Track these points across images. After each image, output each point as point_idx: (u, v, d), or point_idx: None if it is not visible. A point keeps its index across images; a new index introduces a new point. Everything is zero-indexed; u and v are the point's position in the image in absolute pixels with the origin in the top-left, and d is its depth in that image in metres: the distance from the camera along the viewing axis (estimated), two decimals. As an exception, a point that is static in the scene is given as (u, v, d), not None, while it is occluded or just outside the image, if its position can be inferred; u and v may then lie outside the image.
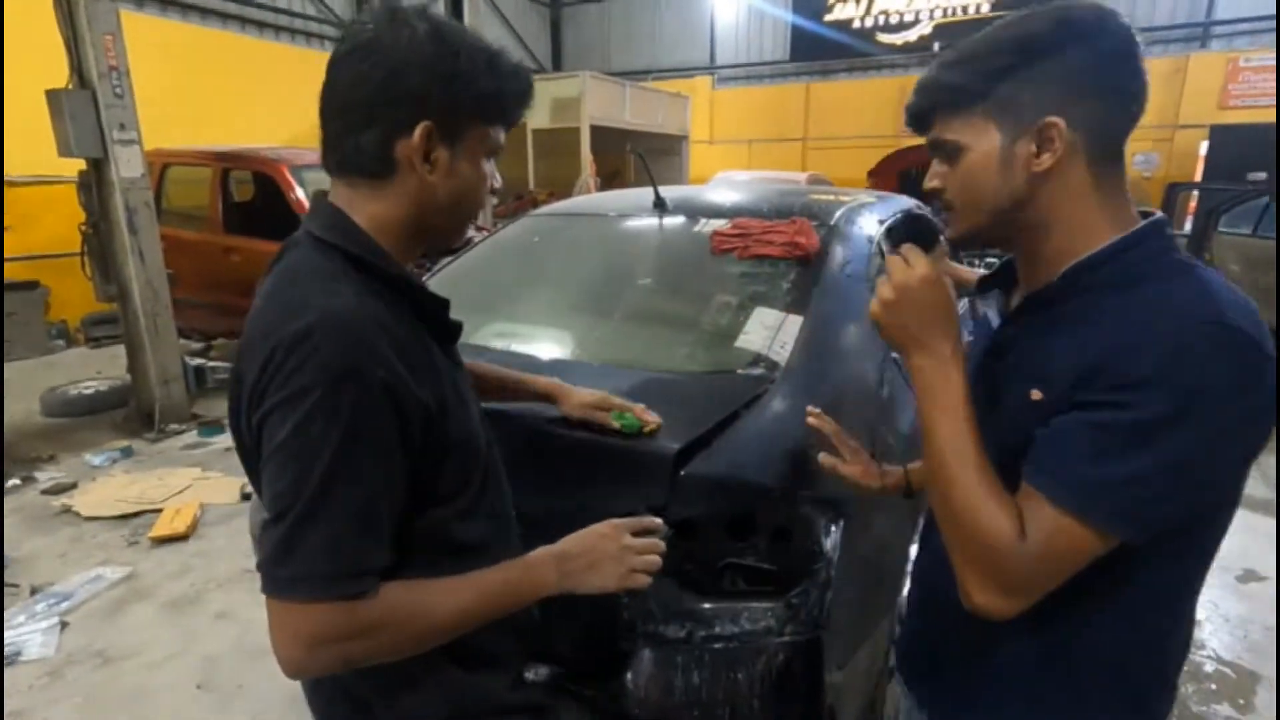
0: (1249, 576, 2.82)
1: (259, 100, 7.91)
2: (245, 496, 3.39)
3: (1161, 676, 0.79)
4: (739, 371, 1.47)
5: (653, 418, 1.21)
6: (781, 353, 1.52)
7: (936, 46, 11.42)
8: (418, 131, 0.72)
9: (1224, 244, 5.33)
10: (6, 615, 2.54)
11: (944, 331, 0.74)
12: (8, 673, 2.26)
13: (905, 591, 1.58)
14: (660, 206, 2.12)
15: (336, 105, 0.74)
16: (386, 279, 0.75)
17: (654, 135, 10.76)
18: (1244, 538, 3.09)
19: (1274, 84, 9.28)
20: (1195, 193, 7.56)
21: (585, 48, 14.72)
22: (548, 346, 1.74)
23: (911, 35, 11.67)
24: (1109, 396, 0.64)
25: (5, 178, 6.16)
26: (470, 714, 0.85)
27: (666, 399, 1.36)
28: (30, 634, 2.42)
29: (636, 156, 2.29)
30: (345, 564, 0.68)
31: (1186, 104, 9.72)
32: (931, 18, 11.52)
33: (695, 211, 2.11)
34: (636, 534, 0.88)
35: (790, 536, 1.25)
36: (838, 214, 1.99)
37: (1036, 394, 0.71)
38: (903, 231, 0.82)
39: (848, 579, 1.28)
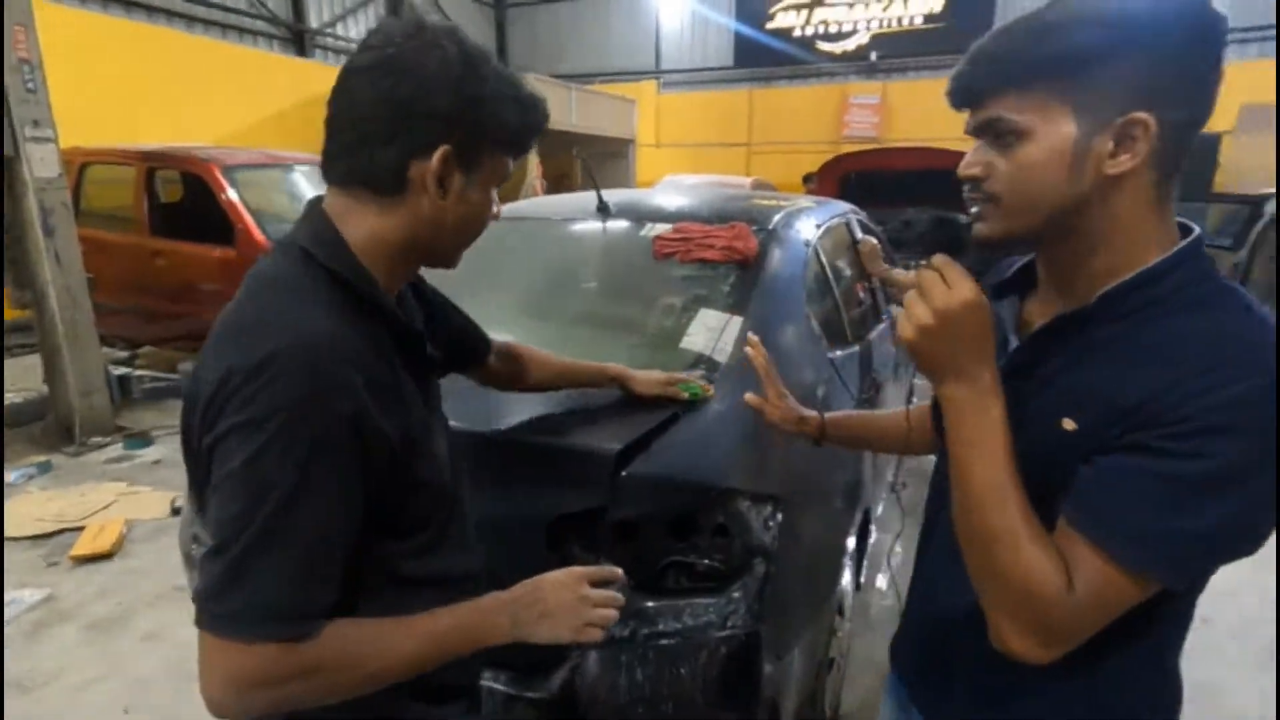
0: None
1: (190, 98, 7.58)
2: (175, 511, 3.26)
3: (1170, 692, 0.77)
4: (679, 374, 1.49)
5: (707, 384, 1.39)
6: (722, 354, 1.56)
7: (874, 56, 11.83)
8: (436, 155, 0.71)
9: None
10: (-92, 645, 2.37)
11: (983, 359, 0.66)
12: (-90, 706, 2.11)
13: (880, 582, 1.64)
14: (604, 211, 2.14)
15: (355, 115, 0.71)
16: (368, 304, 0.73)
17: (601, 139, 10.79)
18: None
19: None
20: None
21: (531, 50, 14.64)
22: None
23: (850, 44, 12.05)
24: (1174, 444, 0.59)
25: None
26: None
27: (609, 402, 1.38)
28: (-64, 664, 2.26)
29: (581, 161, 2.31)
30: (289, 605, 0.64)
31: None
32: (869, 28, 11.92)
33: (638, 216, 2.13)
34: (595, 584, 0.84)
35: (729, 533, 1.29)
36: (775, 218, 2.05)
37: (1069, 424, 0.66)
38: (930, 236, 0.71)
39: (786, 573, 1.33)
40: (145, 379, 4.92)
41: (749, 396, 1.11)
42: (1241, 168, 8.87)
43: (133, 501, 3.40)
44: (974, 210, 0.71)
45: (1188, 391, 0.59)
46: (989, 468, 0.65)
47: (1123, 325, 0.66)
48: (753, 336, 1.13)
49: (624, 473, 1.19)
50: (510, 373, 1.20)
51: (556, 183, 8.88)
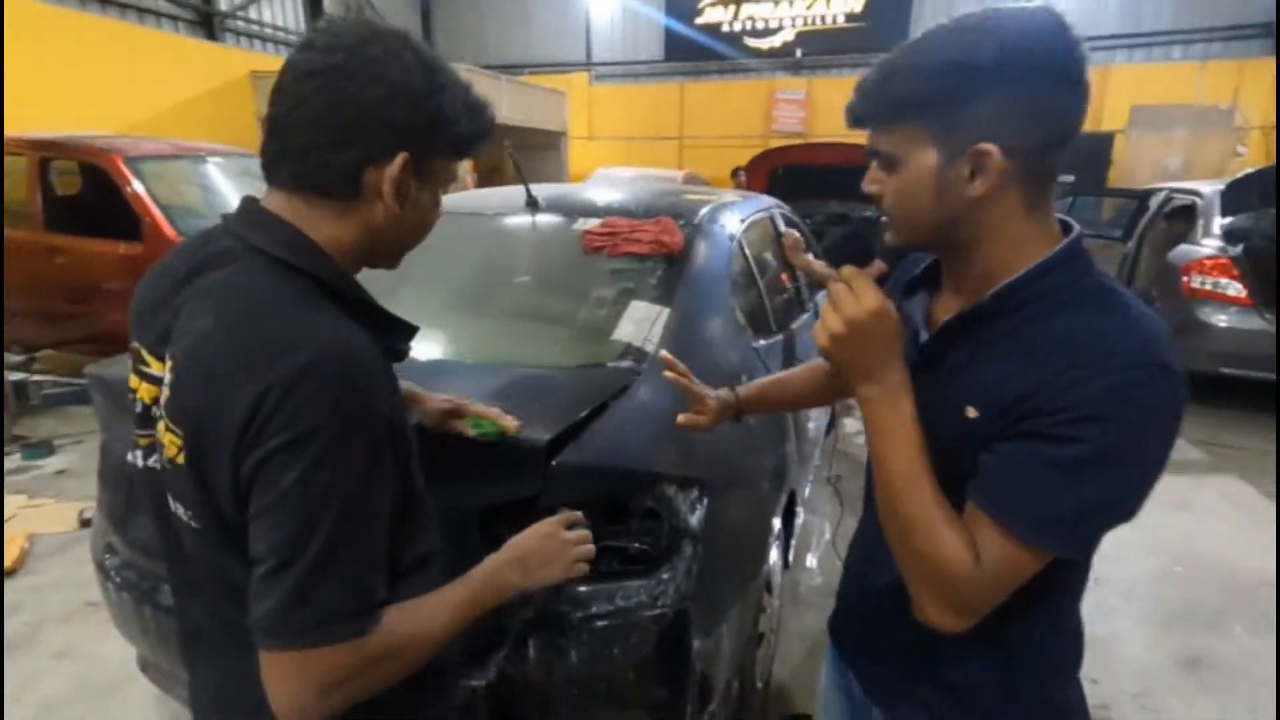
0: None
1: (91, 85, 7.07)
2: (85, 523, 3.08)
3: (1074, 647, 0.86)
4: (609, 364, 1.54)
5: (511, 421, 1.13)
6: (650, 345, 1.61)
7: (799, 53, 12.14)
8: (397, 162, 0.71)
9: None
10: None
11: (893, 362, 0.73)
12: None
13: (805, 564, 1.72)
14: (533, 205, 2.16)
15: (306, 119, 0.70)
16: (356, 305, 0.74)
17: (533, 131, 10.67)
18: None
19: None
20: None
21: (457, 37, 14.31)
22: (421, 346, 1.73)
23: (776, 41, 12.34)
24: (1058, 430, 0.66)
25: None
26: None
27: (540, 393, 1.41)
28: None
29: (510, 156, 2.31)
30: (355, 607, 0.67)
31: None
32: (793, 25, 12.22)
33: (567, 210, 2.16)
34: (568, 527, 0.94)
35: (658, 517, 1.34)
36: (701, 213, 2.12)
37: (972, 412, 0.73)
38: (841, 247, 0.77)
39: (713, 553, 1.39)
40: (45, 384, 4.59)
41: (681, 419, 1.14)
42: (1133, 164, 9.59)
43: (35, 514, 3.19)
44: (884, 220, 0.80)
45: (1065, 384, 0.66)
46: (902, 459, 0.72)
47: (1013, 321, 0.73)
48: (665, 354, 1.15)
49: (554, 462, 1.22)
50: None
51: (487, 176, 8.75)
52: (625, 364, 1.54)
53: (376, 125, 0.70)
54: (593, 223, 2.01)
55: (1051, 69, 0.68)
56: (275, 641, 0.65)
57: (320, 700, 0.66)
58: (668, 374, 1.15)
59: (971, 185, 0.70)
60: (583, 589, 1.31)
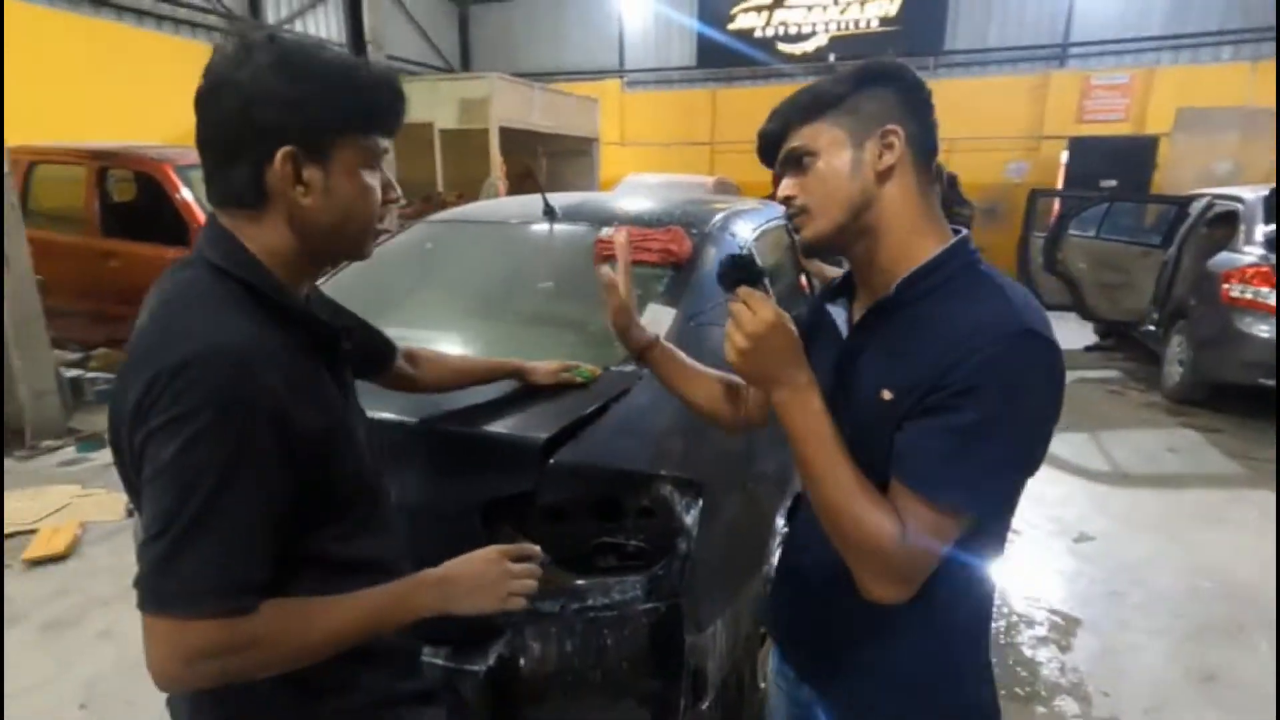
0: (1082, 538, 3.22)
1: (144, 96, 7.43)
2: (130, 513, 3.26)
3: (985, 615, 0.94)
4: (613, 368, 1.60)
5: (596, 368, 1.52)
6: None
7: (832, 58, 12.07)
8: (278, 157, 0.74)
9: (1073, 245, 5.96)
10: None
11: (796, 364, 0.81)
12: None
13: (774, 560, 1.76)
14: (550, 214, 2.24)
15: (203, 142, 0.77)
16: (280, 309, 0.78)
17: (564, 137, 10.82)
18: (1081, 506, 3.53)
19: (1119, 102, 10.39)
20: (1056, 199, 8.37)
21: (494, 46, 14.58)
22: (438, 344, 1.83)
23: (809, 46, 12.27)
24: (949, 402, 0.75)
25: None
26: (362, 707, 0.87)
27: (544, 395, 1.48)
28: (-115, 667, 2.26)
29: (526, 165, 2.40)
30: (226, 581, 0.69)
31: (1049, 117, 10.72)
32: (827, 30, 12.15)
33: (582, 219, 2.24)
34: (516, 559, 0.91)
35: (654, 515, 1.40)
36: (712, 222, 2.17)
37: (887, 394, 0.81)
38: (734, 276, 0.88)
39: (708, 551, 1.44)
40: (99, 381, 4.86)
41: (603, 271, 1.13)
42: (1178, 168, 9.29)
43: (87, 503, 3.39)
44: (795, 225, 0.90)
45: (949, 362, 0.76)
46: (820, 451, 0.79)
47: (914, 309, 0.83)
48: (615, 229, 1.21)
49: (551, 460, 1.28)
50: (413, 375, 1.26)
51: (519, 182, 8.92)
52: (629, 368, 1.60)
53: (248, 131, 0.74)
54: (606, 231, 2.08)
55: (914, 80, 0.86)
56: (145, 605, 0.69)
57: (186, 670, 0.69)
58: (613, 235, 1.18)
59: (880, 160, 0.83)
60: (580, 582, 1.37)
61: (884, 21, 11.73)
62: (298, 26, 11.00)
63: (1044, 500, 3.57)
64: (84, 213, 5.02)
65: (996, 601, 2.66)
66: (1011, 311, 0.77)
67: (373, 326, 1.17)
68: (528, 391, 1.48)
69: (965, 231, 0.87)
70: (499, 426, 1.34)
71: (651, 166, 11.69)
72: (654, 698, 1.41)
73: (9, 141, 3.90)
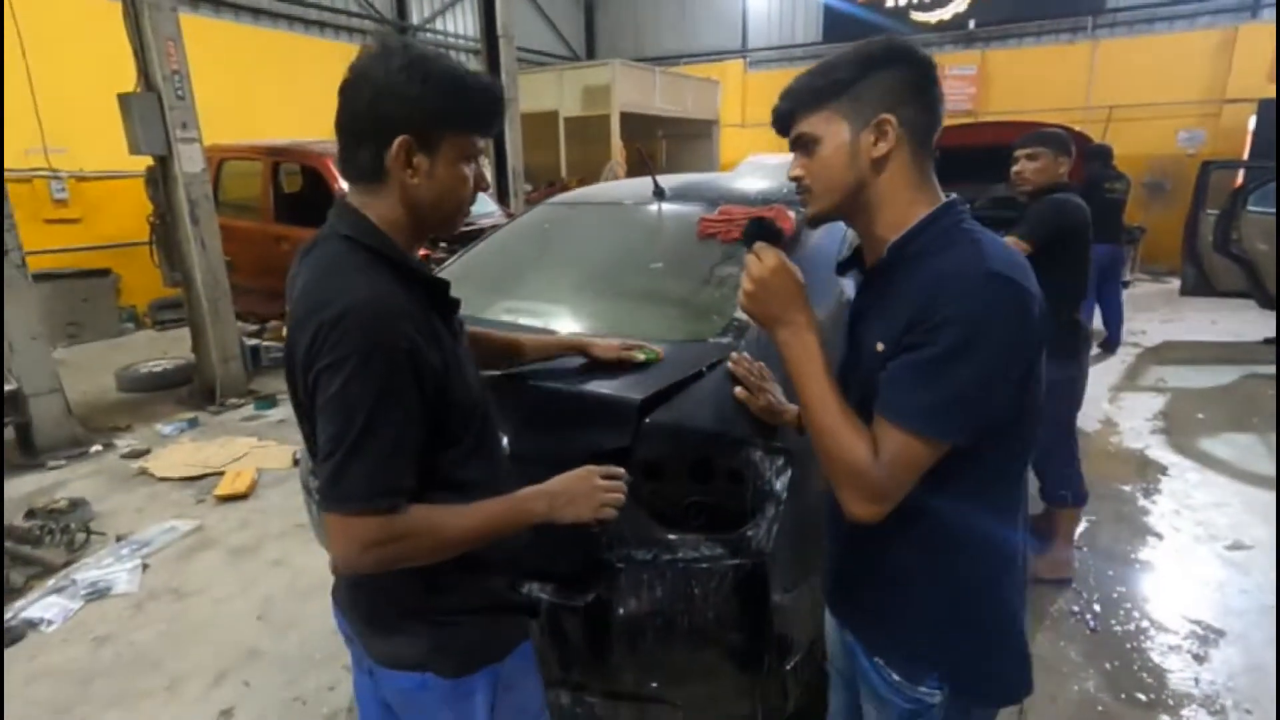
0: (1236, 546, 2.92)
1: (306, 94, 8.30)
2: (296, 462, 3.75)
3: (994, 571, 0.98)
4: (710, 340, 1.68)
5: (659, 349, 1.56)
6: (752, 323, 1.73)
7: (971, 24, 11.23)
8: (395, 144, 0.90)
9: (1251, 223, 5.25)
10: (97, 556, 2.94)
11: (796, 306, 0.95)
12: (100, 604, 2.64)
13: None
14: (659, 195, 2.34)
15: (340, 127, 0.93)
16: (400, 267, 0.94)
17: (684, 120, 10.87)
18: (1238, 512, 3.19)
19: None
20: (1240, 171, 7.36)
21: (618, 33, 14.82)
22: (552, 320, 1.99)
23: (946, 13, 11.46)
24: (920, 339, 0.85)
25: (81, 173, 6.70)
26: (479, 607, 1.05)
27: (643, 362, 1.59)
28: (118, 572, 2.80)
29: (639, 150, 2.50)
30: (381, 484, 0.86)
31: (1235, 78, 9.37)
32: (968, -6, 11.29)
33: (689, 199, 2.32)
34: (604, 478, 1.07)
35: (743, 479, 1.47)
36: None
37: (880, 346, 0.91)
38: (754, 234, 1.01)
39: (794, 516, 1.49)
40: (272, 349, 5.57)
41: (737, 391, 1.30)
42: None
43: (262, 453, 3.94)
44: (802, 201, 1.00)
45: (926, 306, 0.85)
46: (814, 382, 0.92)
47: (906, 269, 0.91)
48: (735, 355, 1.32)
49: (647, 420, 1.39)
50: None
51: (639, 166, 9.09)
52: (725, 340, 1.67)
53: (376, 119, 0.90)
54: (710, 210, 2.15)
55: (917, 59, 0.91)
56: (324, 505, 0.88)
57: (360, 555, 0.87)
58: (730, 366, 1.36)
59: (876, 148, 0.91)
60: (672, 537, 1.48)
61: (1033, -20, 10.73)
62: (438, 23, 11.76)
63: (1192, 504, 3.26)
64: (261, 201, 5.73)
65: (1122, 602, 2.51)
66: (979, 256, 0.85)
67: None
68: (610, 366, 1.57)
69: (953, 197, 0.94)
70: (602, 387, 1.47)
71: (772, 147, 11.47)
72: (739, 651, 1.49)
73: (207, 140, 4.53)
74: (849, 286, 1.08)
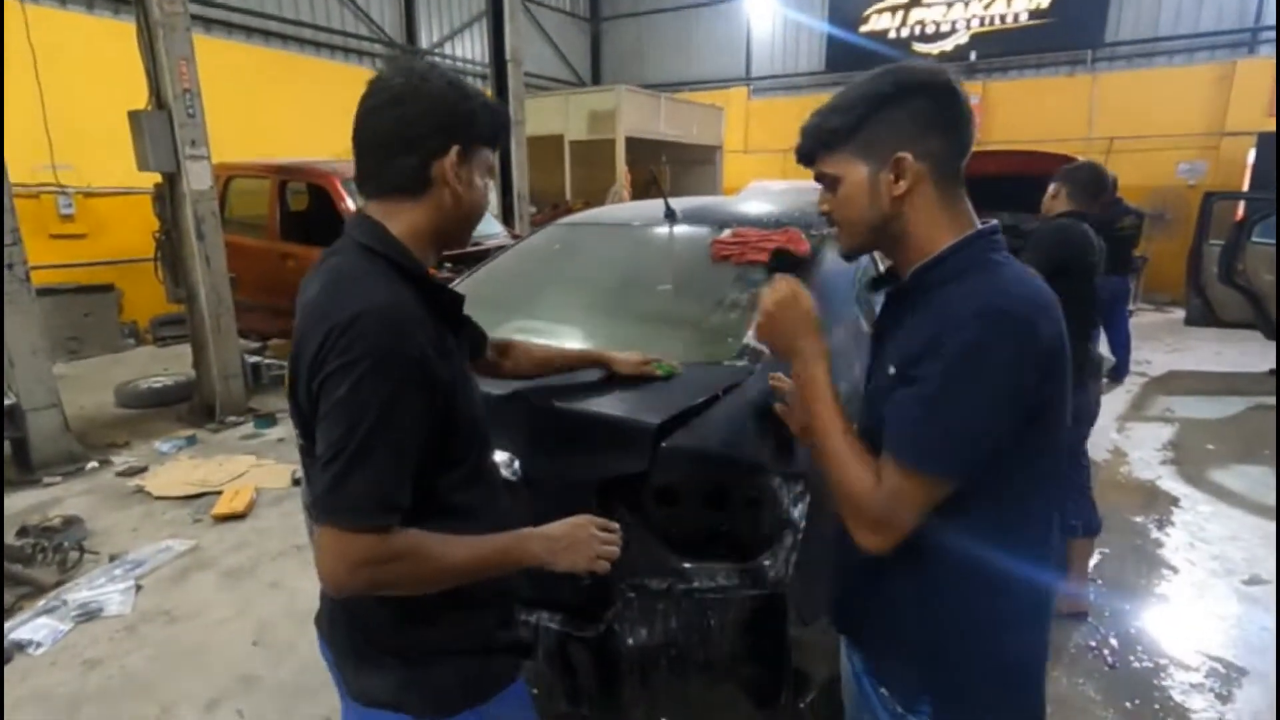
0: (1254, 581, 2.86)
1: (315, 115, 8.39)
2: (295, 482, 3.70)
3: (992, 608, 0.93)
4: (725, 363, 1.65)
5: (678, 365, 1.59)
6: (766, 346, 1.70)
7: (973, 56, 11.39)
8: (453, 151, 0.93)
9: (1258, 254, 5.26)
10: (89, 576, 2.87)
11: (808, 336, 0.97)
12: (91, 626, 2.57)
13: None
14: (670, 217, 2.32)
15: (379, 141, 0.93)
16: (415, 279, 0.93)
17: (689, 146, 10.97)
18: (1253, 546, 3.13)
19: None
20: (1241, 202, 7.41)
21: (623, 60, 15.03)
22: (565, 341, 1.96)
23: (948, 45, 11.65)
24: (924, 372, 0.84)
25: (88, 189, 6.73)
26: (462, 647, 1.00)
27: (659, 385, 1.56)
28: (110, 593, 2.73)
29: (650, 171, 2.50)
30: (382, 499, 0.83)
31: (1234, 111, 9.49)
32: (968, 27, 11.47)
33: (701, 221, 2.30)
34: (600, 529, 1.05)
35: (761, 506, 1.43)
36: (832, 224, 2.16)
37: (892, 370, 0.91)
38: (776, 265, 1.07)
39: (814, 546, 1.45)
40: (273, 367, 5.53)
41: (777, 406, 1.27)
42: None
43: (261, 472, 3.89)
44: (835, 234, 1.00)
45: (930, 336, 0.84)
46: (824, 408, 0.94)
47: (924, 295, 0.90)
48: (777, 374, 1.29)
49: (663, 444, 1.36)
50: (504, 363, 1.38)
51: (644, 189, 9.14)
52: (740, 363, 1.64)
53: (430, 130, 0.92)
54: (724, 233, 2.14)
55: (933, 86, 0.88)
56: (319, 516, 0.84)
57: (351, 574, 0.84)
58: (773, 382, 1.31)
59: (897, 186, 0.89)
60: (687, 565, 1.43)
61: (1035, 14, 10.90)
62: (448, 47, 11.92)
63: (1206, 537, 3.21)
64: (267, 219, 5.74)
65: (1140, 638, 2.44)
66: (991, 290, 0.84)
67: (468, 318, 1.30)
68: (643, 381, 1.56)
69: (983, 226, 0.92)
70: (617, 409, 1.43)
71: (775, 173, 11.57)
72: (755, 685, 1.44)
73: (215, 158, 4.55)
74: (879, 302, 1.06)
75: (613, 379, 1.55)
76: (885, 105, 0.89)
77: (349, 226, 0.98)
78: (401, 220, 0.95)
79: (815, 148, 0.95)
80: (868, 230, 0.94)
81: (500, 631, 1.06)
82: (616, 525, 1.08)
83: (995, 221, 0.93)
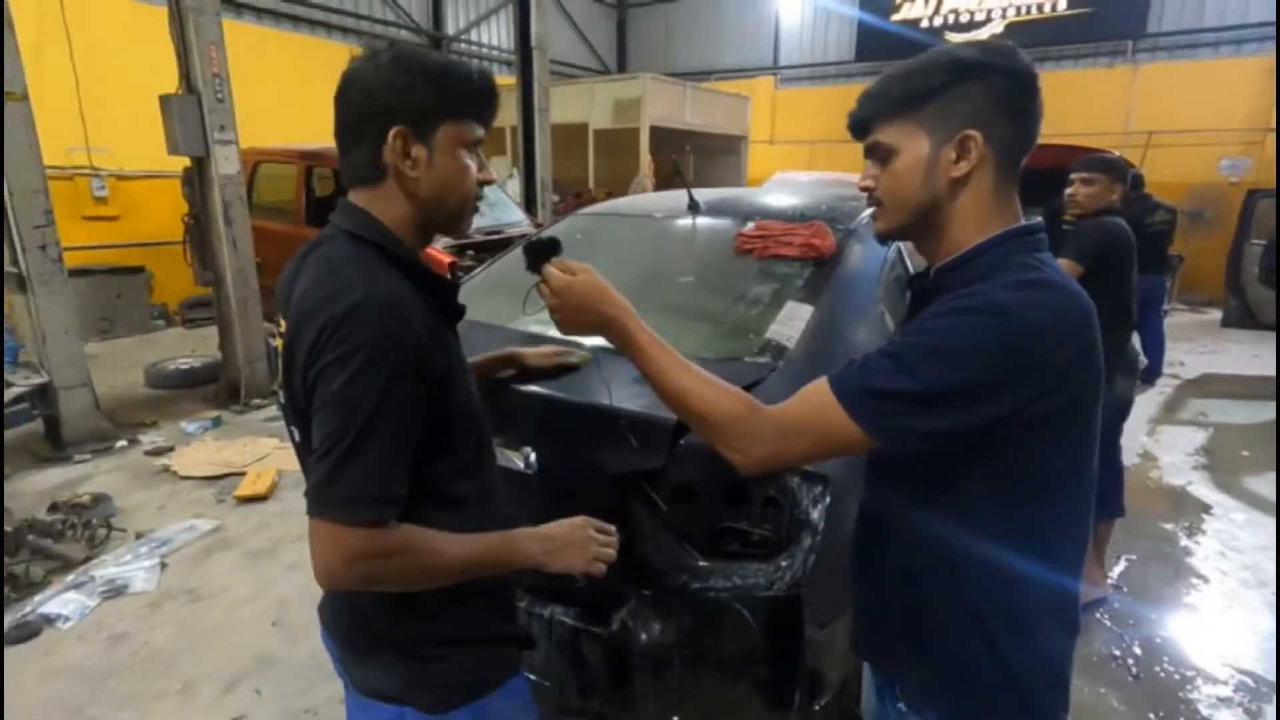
0: (1288, 593, 2.78)
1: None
2: (317, 465, 3.74)
3: (1002, 621, 0.89)
4: (747, 359, 1.62)
5: (586, 354, 1.53)
6: (790, 343, 1.67)
7: (1009, 46, 11.09)
8: (391, 135, 0.87)
9: (1302, 255, 5.09)
10: (116, 553, 2.93)
11: (604, 302, 0.97)
12: (117, 602, 2.63)
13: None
14: (694, 208, 2.29)
15: (337, 134, 0.92)
16: (408, 266, 0.91)
17: (713, 135, 10.86)
18: (1289, 556, 3.04)
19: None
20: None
21: (649, 48, 14.90)
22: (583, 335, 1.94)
23: (982, 34, 11.36)
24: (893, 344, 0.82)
25: (121, 172, 6.84)
26: (464, 639, 0.98)
27: (576, 366, 1.52)
28: (136, 570, 2.79)
29: (674, 162, 2.47)
30: (379, 491, 0.81)
31: (1281, 106, 9.15)
32: (1004, 16, 11.18)
33: (725, 213, 2.27)
34: (599, 532, 1.04)
35: (780, 506, 1.41)
36: (859, 218, 2.12)
37: None
38: (536, 257, 1.03)
39: (833, 548, 1.42)
40: (297, 351, 5.58)
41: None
42: None
43: (284, 454, 3.94)
44: (873, 214, 0.94)
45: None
46: (651, 358, 0.93)
47: (950, 295, 0.83)
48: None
49: (682, 440, 1.34)
50: None
51: (668, 179, 9.08)
52: (762, 359, 1.61)
53: (369, 116, 0.88)
54: (748, 225, 2.10)
55: (1018, 69, 0.83)
56: (314, 509, 0.81)
57: (346, 568, 0.81)
58: None
59: (956, 166, 0.84)
60: (703, 563, 1.41)
61: (1074, 3, 10.59)
62: (474, 34, 11.92)
63: (1238, 546, 3.12)
64: (294, 204, 5.79)
65: (1166, 648, 2.38)
66: (1001, 287, 0.79)
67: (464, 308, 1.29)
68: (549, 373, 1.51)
69: (1024, 223, 0.86)
70: (636, 405, 1.41)
71: (800, 165, 11.43)
72: (769, 687, 1.42)
73: (243, 143, 4.59)
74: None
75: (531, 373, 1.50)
76: (965, 77, 0.82)
77: (335, 215, 0.95)
78: (380, 209, 0.92)
79: (874, 113, 0.88)
80: (913, 211, 0.88)
81: (501, 624, 1.05)
82: (614, 528, 1.06)
83: (1039, 219, 0.88)
